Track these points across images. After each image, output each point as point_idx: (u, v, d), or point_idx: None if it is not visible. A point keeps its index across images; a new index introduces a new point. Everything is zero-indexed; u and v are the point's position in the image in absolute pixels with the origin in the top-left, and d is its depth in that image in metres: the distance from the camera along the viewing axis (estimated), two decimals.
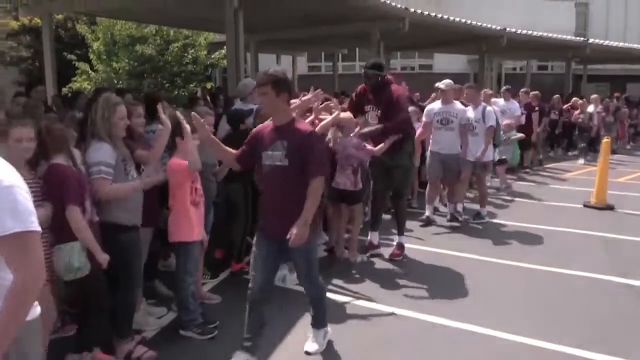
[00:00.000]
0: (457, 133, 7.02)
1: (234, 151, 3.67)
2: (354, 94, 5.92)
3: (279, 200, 3.46)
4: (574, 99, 14.90)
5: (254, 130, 3.70)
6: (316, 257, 3.77)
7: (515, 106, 10.52)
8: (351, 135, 5.45)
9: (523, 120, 10.84)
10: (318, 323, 3.86)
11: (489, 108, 7.45)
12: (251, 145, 3.58)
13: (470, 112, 7.27)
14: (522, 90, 11.94)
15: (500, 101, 10.44)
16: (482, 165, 7.39)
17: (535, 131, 11.62)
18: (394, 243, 6.02)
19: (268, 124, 3.58)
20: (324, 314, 3.88)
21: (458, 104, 7.17)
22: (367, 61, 5.96)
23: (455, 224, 7.24)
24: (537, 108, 11.73)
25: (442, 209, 7.89)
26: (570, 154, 14.62)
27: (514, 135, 9.43)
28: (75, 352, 3.52)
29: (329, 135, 5.43)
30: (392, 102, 5.46)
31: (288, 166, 3.36)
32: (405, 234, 6.08)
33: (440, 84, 7.03)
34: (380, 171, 5.73)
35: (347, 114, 5.51)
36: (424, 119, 7.22)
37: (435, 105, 7.19)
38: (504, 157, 9.22)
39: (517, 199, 9.15)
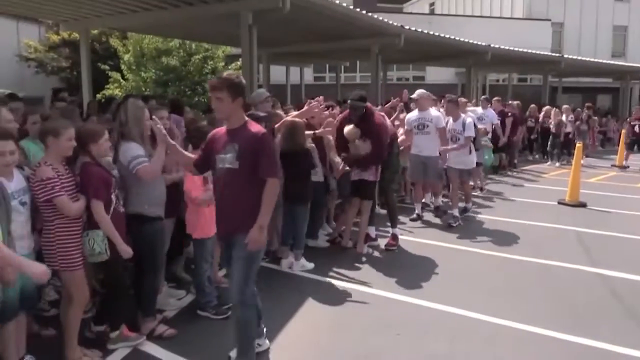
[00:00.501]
0: (434, 136, 6.78)
1: (192, 156, 3.39)
2: (340, 120, 5.66)
3: (229, 202, 3.04)
4: (546, 107, 14.73)
5: (209, 135, 3.28)
6: (256, 270, 3.11)
7: (492, 113, 10.38)
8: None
9: (499, 125, 10.70)
10: (241, 354, 3.08)
11: (468, 120, 7.11)
12: (207, 151, 3.19)
13: (450, 124, 7.05)
14: (494, 98, 11.62)
15: (479, 109, 10.32)
16: (467, 172, 7.26)
17: (506, 134, 11.35)
18: (389, 234, 5.95)
19: (222, 128, 3.19)
20: (250, 344, 3.11)
21: (433, 111, 6.94)
22: (353, 94, 5.52)
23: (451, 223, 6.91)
24: (510, 114, 11.54)
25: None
26: (545, 157, 14.51)
27: (484, 141, 9.28)
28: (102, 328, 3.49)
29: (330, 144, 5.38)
30: (374, 133, 5.34)
31: (238, 169, 2.96)
32: (398, 226, 6.03)
33: (414, 94, 6.87)
34: None
35: (351, 127, 5.39)
36: (405, 127, 6.93)
37: (412, 114, 6.93)
38: (479, 161, 9.07)
39: (497, 197, 9.07)
